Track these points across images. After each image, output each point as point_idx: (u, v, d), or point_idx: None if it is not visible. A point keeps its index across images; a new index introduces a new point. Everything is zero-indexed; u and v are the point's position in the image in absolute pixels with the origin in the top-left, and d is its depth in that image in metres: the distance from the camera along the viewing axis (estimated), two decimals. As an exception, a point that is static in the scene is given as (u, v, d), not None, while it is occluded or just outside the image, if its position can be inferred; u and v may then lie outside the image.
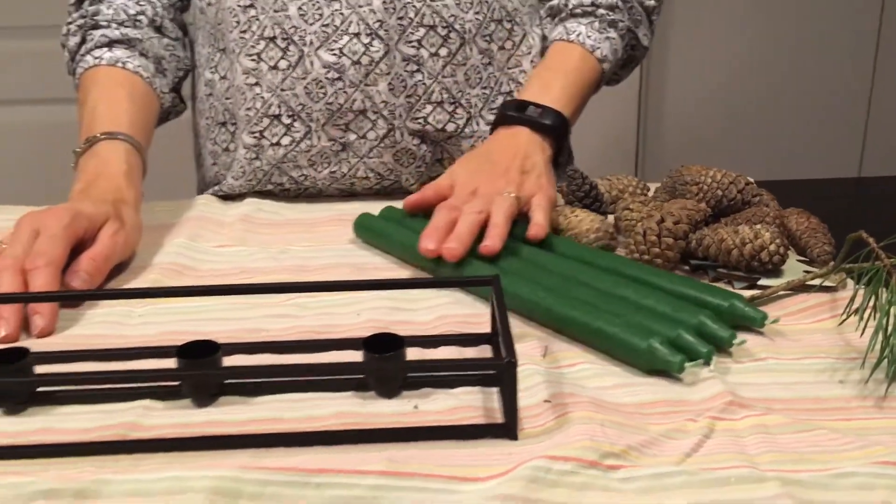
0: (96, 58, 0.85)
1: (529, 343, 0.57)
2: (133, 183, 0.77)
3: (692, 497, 0.43)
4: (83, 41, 0.87)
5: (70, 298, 0.63)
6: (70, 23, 0.88)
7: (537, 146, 0.78)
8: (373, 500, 0.43)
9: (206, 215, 0.82)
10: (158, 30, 0.89)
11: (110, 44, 0.86)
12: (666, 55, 2.02)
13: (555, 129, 0.79)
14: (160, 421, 0.50)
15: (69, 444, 0.47)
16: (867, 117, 2.06)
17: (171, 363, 0.53)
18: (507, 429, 0.48)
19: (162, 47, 0.89)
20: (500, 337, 0.52)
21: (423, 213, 0.73)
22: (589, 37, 0.85)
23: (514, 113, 0.80)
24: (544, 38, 0.92)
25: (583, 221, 0.67)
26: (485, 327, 0.59)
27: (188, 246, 0.75)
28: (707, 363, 0.53)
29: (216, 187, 0.91)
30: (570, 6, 0.88)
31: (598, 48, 0.85)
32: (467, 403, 0.52)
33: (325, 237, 0.78)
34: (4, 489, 0.43)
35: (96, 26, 0.86)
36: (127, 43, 0.86)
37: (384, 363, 0.51)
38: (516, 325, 0.60)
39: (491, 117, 0.88)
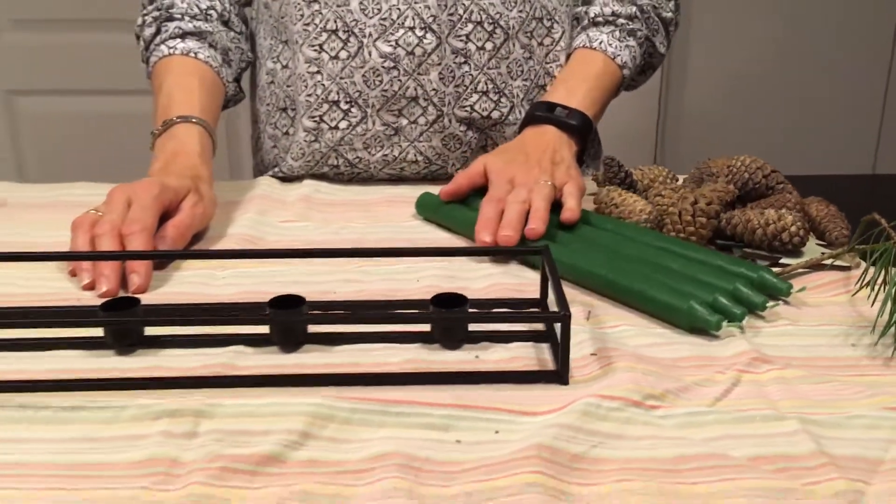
0: (170, 48, 0.92)
1: (574, 308, 0.64)
2: (206, 162, 0.84)
3: (722, 431, 0.50)
4: (158, 32, 0.94)
5: (163, 257, 0.71)
6: (145, 14, 0.95)
7: (564, 143, 0.86)
8: (444, 427, 0.50)
9: (270, 195, 0.89)
10: (226, 24, 0.97)
11: (183, 35, 0.93)
12: (686, 55, 2.08)
13: (580, 129, 0.87)
14: (252, 363, 0.57)
15: (181, 378, 0.55)
16: (882, 116, 2.13)
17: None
18: (559, 375, 0.55)
19: (228, 40, 0.96)
20: (551, 296, 0.59)
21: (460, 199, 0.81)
22: (610, 45, 0.93)
23: (542, 113, 0.88)
24: None
25: (637, 202, 0.74)
26: (533, 294, 0.66)
27: (257, 220, 0.82)
28: (740, 323, 0.60)
29: (275, 169, 0.98)
30: (592, 16, 0.95)
31: (619, 55, 0.92)
32: (522, 355, 0.59)
33: (380, 216, 0.85)
34: (135, 409, 0.51)
35: (170, 18, 0.94)
36: (198, 35, 0.93)
37: (451, 314, 0.58)
38: (566, 291, 0.66)
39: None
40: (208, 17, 0.95)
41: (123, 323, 0.58)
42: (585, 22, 0.96)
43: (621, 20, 0.94)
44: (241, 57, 0.99)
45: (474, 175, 0.82)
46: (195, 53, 0.92)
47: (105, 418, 0.51)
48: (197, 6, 0.95)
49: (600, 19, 0.95)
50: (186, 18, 0.94)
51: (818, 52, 2.08)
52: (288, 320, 0.58)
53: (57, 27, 2.04)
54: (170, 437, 0.49)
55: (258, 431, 0.49)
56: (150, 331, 0.59)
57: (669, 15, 0.98)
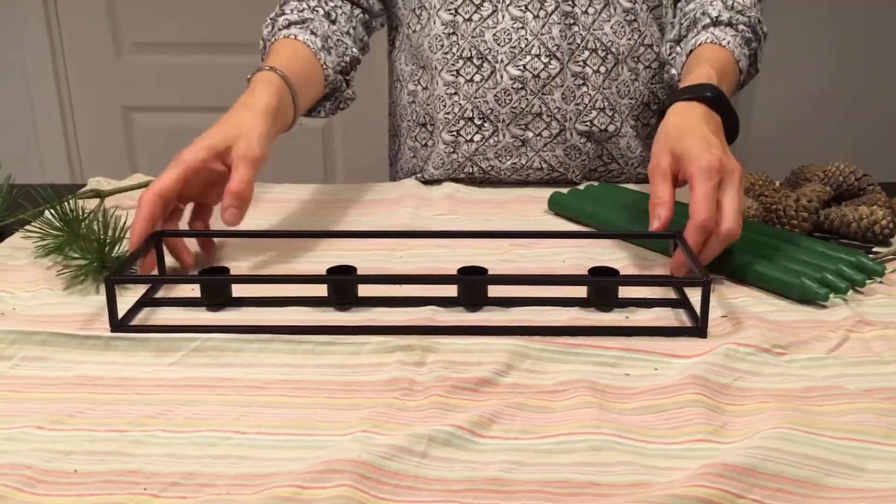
0: (276, 37, 0.99)
1: (700, 283, 0.77)
2: (265, 114, 0.85)
3: (838, 371, 0.63)
4: (272, 28, 1.02)
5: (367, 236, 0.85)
6: (268, 19, 1.04)
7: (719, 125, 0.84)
8: (614, 364, 0.64)
9: (418, 194, 1.04)
10: (331, 19, 1.05)
11: (289, 25, 1.00)
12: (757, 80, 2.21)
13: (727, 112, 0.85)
14: (445, 318, 0.72)
15: (396, 326, 0.69)
16: None
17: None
18: (699, 330, 0.68)
19: (329, 31, 1.02)
20: (690, 261, 0.72)
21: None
22: (736, 46, 0.94)
23: (709, 94, 0.84)
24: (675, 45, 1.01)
25: (745, 200, 0.87)
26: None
27: (415, 214, 0.97)
28: (844, 295, 0.73)
29: (418, 175, 1.13)
30: (714, 16, 0.97)
31: (740, 60, 0.95)
32: (663, 316, 0.72)
33: (515, 212, 0.99)
34: (374, 345, 0.65)
35: (281, 14, 1.03)
36: (301, 23, 1.00)
37: (608, 279, 0.72)
38: (688, 271, 0.80)
39: (633, 122, 1.08)
40: (315, 11, 1.03)
41: (344, 281, 0.73)
42: (706, 22, 0.97)
43: (741, 27, 0.96)
44: (344, 50, 1.03)
45: (667, 173, 0.78)
46: (295, 36, 0.98)
47: (351, 351, 0.65)
48: (307, 3, 1.04)
49: (724, 19, 0.96)
50: (294, 12, 1.02)
51: (881, 66, 2.19)
52: (474, 279, 0.72)
53: (171, 50, 2.24)
54: (405, 364, 0.63)
55: (472, 362, 0.63)
56: (361, 292, 0.74)
57: (766, 31, 1.01)
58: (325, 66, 0.99)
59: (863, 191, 0.89)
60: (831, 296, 0.73)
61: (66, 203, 0.87)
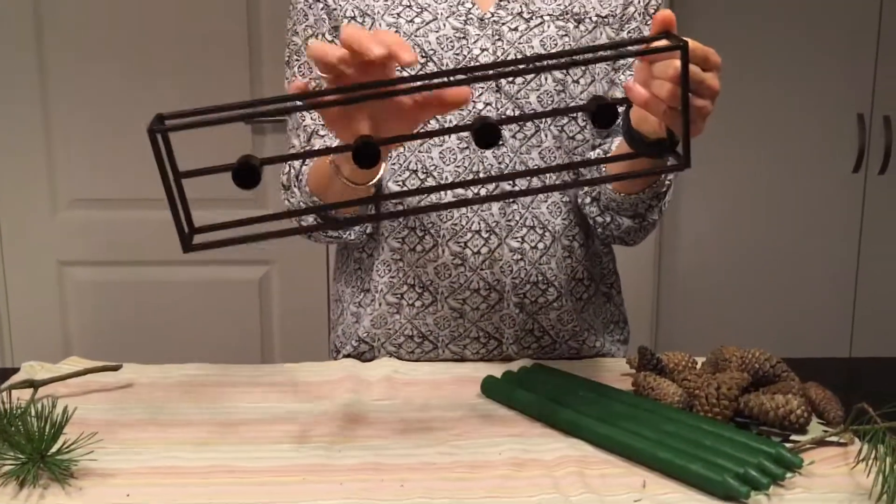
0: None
1: (630, 478, 0.80)
2: None
3: (764, 578, 0.65)
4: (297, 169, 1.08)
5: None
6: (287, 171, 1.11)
7: None
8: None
9: (358, 375, 1.06)
10: None
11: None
12: (676, 244, 2.34)
13: None
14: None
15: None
16: (854, 304, 2.39)
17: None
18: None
19: None
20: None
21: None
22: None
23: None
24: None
25: (670, 387, 0.92)
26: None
27: (356, 399, 0.98)
28: (766, 492, 0.76)
29: (355, 342, 1.16)
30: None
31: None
32: None
33: (451, 395, 1.02)
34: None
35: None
36: None
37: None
38: (620, 465, 0.83)
39: (568, 296, 1.14)
40: None
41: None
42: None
43: None
44: None
45: None
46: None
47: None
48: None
49: None
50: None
51: (792, 245, 2.36)
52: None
53: (109, 205, 2.25)
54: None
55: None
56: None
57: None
58: None
59: (778, 377, 0.95)
60: (753, 493, 0.76)
61: (-3, 396, 0.86)
